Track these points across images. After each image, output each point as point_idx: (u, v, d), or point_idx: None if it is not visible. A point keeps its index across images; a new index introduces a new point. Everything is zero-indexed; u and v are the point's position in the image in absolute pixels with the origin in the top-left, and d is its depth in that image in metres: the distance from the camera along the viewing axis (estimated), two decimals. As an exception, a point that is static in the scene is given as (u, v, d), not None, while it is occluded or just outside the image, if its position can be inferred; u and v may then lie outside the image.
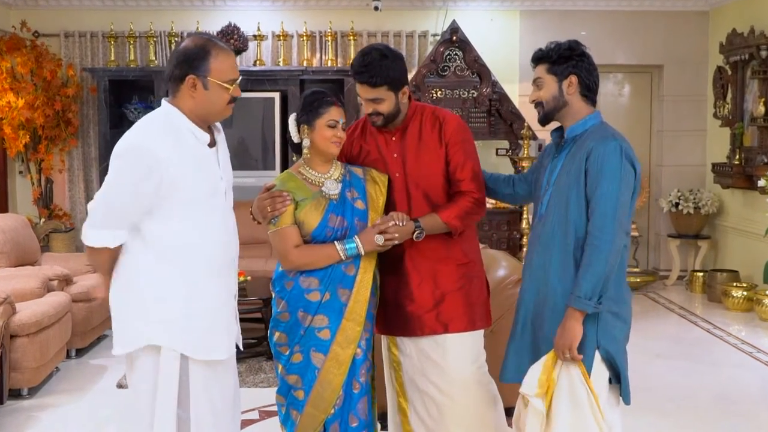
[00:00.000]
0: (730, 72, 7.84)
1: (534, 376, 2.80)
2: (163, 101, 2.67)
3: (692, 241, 8.29)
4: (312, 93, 3.07)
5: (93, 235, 2.59)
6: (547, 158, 3.00)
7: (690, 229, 8.23)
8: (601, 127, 2.87)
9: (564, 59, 2.86)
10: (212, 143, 2.71)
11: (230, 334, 2.77)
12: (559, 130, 2.97)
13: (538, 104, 2.92)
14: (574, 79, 2.86)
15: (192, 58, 2.58)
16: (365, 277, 3.04)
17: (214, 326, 2.68)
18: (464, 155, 3.13)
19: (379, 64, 3.03)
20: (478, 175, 3.15)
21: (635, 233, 8.31)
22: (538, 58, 2.92)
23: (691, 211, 8.08)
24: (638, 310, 7.31)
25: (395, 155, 3.16)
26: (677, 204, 8.16)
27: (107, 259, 2.64)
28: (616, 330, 2.79)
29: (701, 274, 8.00)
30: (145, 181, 2.51)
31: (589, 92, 2.89)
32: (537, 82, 2.91)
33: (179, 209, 2.59)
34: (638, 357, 5.56)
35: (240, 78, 2.68)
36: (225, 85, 2.62)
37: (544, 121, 2.94)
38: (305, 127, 3.03)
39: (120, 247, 2.63)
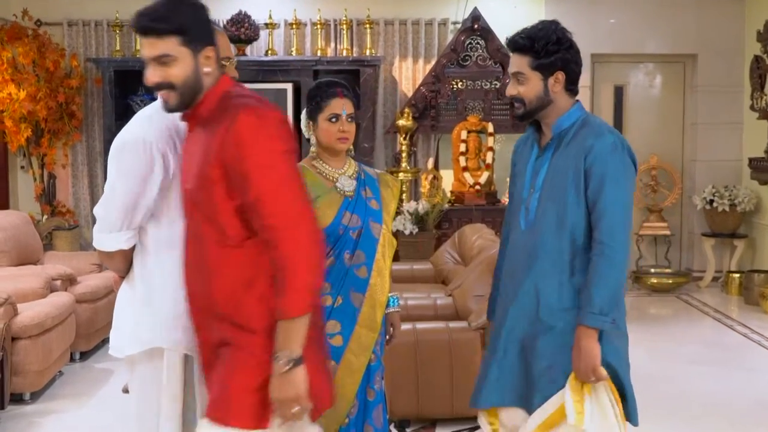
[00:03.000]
0: (768, 61, 7.67)
1: (570, 406, 2.53)
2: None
3: (728, 240, 8.19)
4: (316, 85, 2.99)
5: (105, 239, 2.55)
6: (524, 159, 2.73)
7: (725, 228, 8.11)
8: (589, 119, 2.64)
9: (550, 53, 2.55)
10: None
11: None
12: (534, 124, 2.70)
13: (518, 100, 2.62)
14: (561, 75, 2.58)
15: None
16: (378, 280, 2.96)
17: None
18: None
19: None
20: None
21: (667, 232, 8.39)
22: (519, 48, 2.58)
23: (727, 208, 7.97)
24: (670, 314, 7.47)
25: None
26: (712, 201, 8.06)
27: (123, 260, 2.61)
28: (618, 342, 2.61)
29: (737, 275, 7.90)
30: (149, 175, 2.47)
31: (574, 85, 2.62)
32: (518, 77, 2.60)
33: (179, 206, 2.49)
34: (670, 363, 5.56)
35: (235, 58, 2.64)
36: (221, 63, 2.52)
37: (522, 119, 2.67)
38: (310, 122, 2.97)
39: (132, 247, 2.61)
